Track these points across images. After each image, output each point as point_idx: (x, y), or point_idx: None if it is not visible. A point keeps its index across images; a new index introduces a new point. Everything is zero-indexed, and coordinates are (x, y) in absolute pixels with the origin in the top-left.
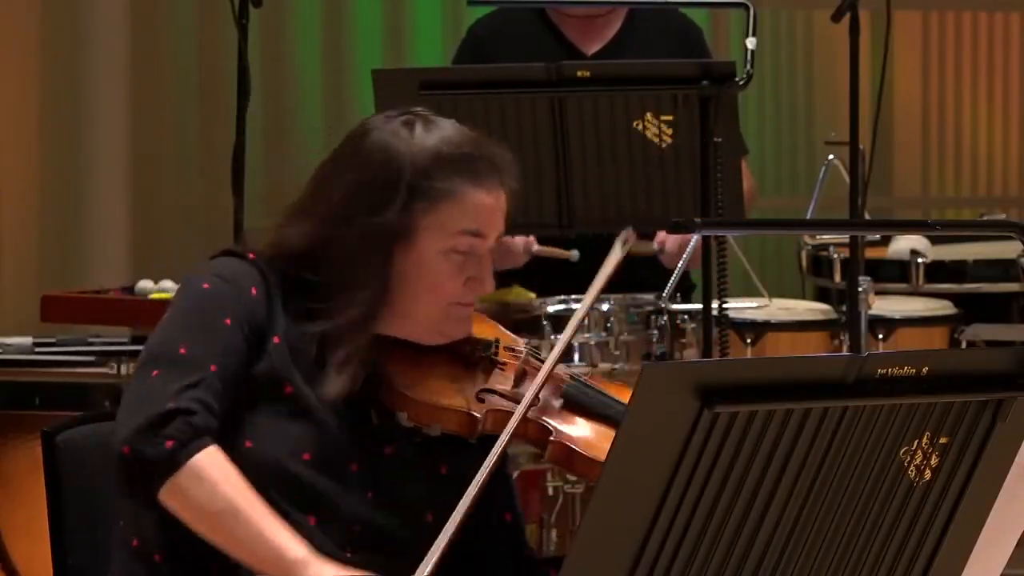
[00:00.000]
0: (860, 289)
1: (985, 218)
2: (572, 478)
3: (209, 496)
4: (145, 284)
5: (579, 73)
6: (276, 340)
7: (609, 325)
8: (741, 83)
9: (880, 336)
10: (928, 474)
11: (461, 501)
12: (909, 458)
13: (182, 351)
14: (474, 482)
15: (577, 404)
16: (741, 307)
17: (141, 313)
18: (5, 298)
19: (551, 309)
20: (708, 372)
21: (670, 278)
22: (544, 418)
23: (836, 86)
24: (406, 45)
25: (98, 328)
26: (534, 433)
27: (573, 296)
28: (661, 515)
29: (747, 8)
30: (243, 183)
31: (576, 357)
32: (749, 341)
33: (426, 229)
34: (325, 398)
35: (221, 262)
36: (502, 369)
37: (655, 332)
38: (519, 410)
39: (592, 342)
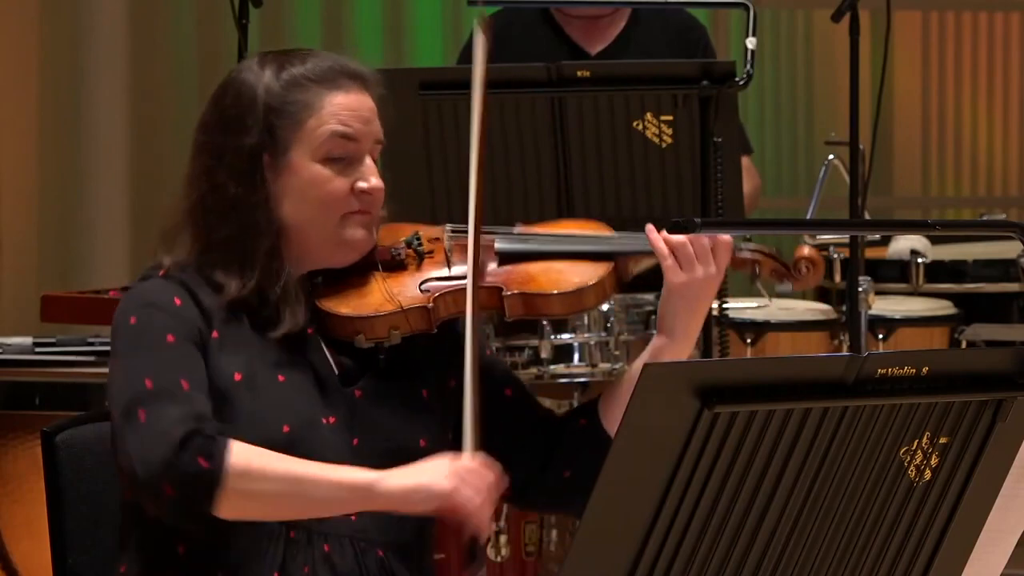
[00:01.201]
0: (860, 289)
1: (985, 218)
2: None
3: (265, 483)
4: None
5: (579, 73)
6: (215, 335)
7: (609, 325)
8: (741, 83)
9: (880, 336)
10: (928, 474)
11: (465, 383)
12: (909, 458)
13: (148, 384)
14: (466, 362)
15: (514, 256)
16: (741, 307)
17: None
18: (5, 298)
19: None
20: (708, 372)
21: None
22: (489, 281)
23: (836, 86)
24: (406, 45)
25: (98, 328)
26: (486, 298)
27: None
28: (661, 515)
29: (747, 8)
30: None
31: (576, 357)
32: (749, 341)
33: (295, 144)
34: (281, 333)
35: (136, 292)
36: (431, 257)
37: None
38: (469, 278)
39: (592, 342)
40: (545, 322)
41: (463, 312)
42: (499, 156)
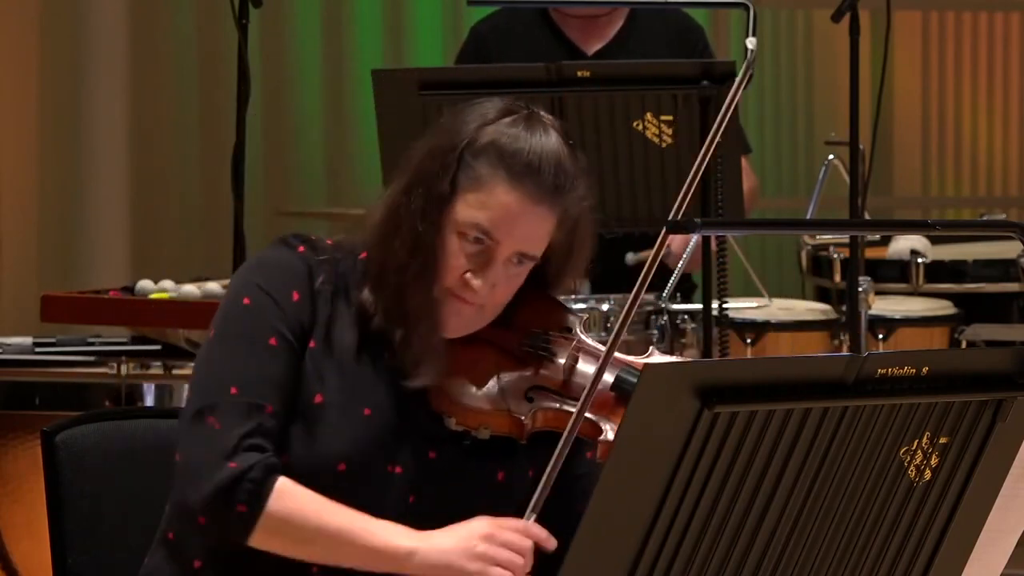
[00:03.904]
0: (860, 289)
1: (985, 218)
2: None
3: (300, 532)
4: (145, 284)
5: (579, 73)
6: (312, 345)
7: (609, 325)
8: None
9: (880, 336)
10: (928, 474)
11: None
12: (909, 458)
13: (233, 392)
14: (541, 484)
15: (626, 397)
16: (741, 307)
17: (141, 313)
18: (5, 298)
19: None
20: (708, 372)
21: (670, 278)
22: (593, 415)
23: (836, 86)
24: (406, 45)
25: (98, 328)
26: (585, 429)
27: (572, 297)
28: (661, 515)
29: (747, 8)
30: (243, 183)
31: None
32: (749, 341)
33: (452, 203)
34: (409, 387)
35: (268, 259)
36: (551, 360)
37: (655, 332)
38: (572, 421)
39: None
40: None
41: (558, 430)
42: None
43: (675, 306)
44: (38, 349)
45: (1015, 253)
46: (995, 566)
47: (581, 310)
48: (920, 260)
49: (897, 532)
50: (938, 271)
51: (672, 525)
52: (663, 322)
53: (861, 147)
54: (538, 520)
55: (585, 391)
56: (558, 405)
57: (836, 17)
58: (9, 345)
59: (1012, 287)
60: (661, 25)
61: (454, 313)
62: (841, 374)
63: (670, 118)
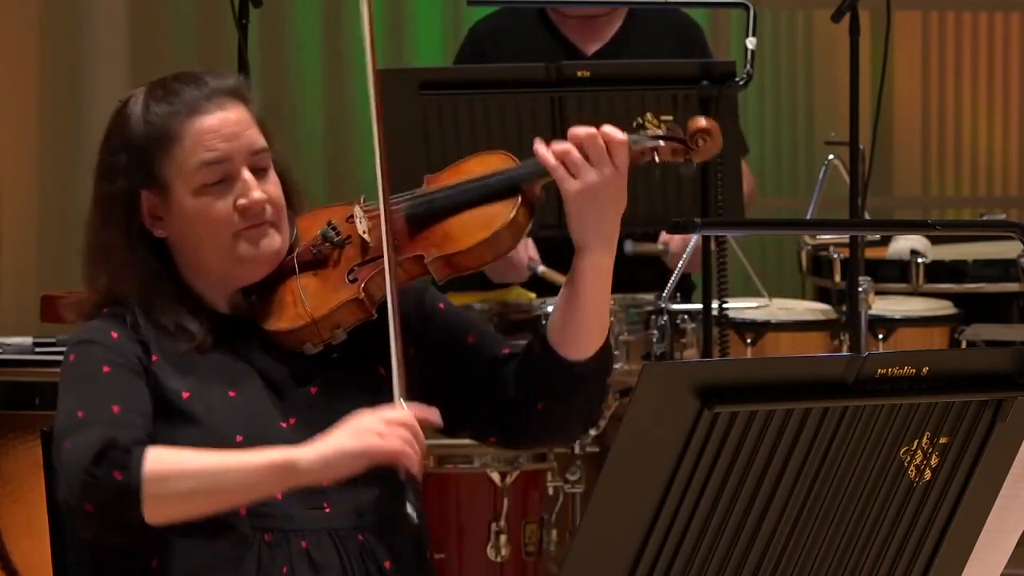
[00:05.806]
0: (860, 289)
1: (985, 218)
2: (572, 478)
3: (183, 482)
4: None
5: (579, 73)
6: (155, 359)
7: (609, 325)
8: (741, 83)
9: (880, 336)
10: (928, 474)
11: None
12: (909, 458)
13: (80, 415)
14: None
15: (423, 219)
16: (741, 307)
17: None
18: (5, 298)
19: (551, 309)
20: (708, 372)
21: (670, 278)
22: (408, 252)
23: (836, 86)
24: (406, 45)
25: None
26: (410, 268)
27: None
28: (661, 515)
29: (747, 8)
30: None
31: None
32: (749, 341)
33: (174, 180)
34: (185, 349)
35: (77, 332)
36: (350, 243)
37: (655, 332)
38: (386, 264)
39: None
40: (544, 321)
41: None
42: None
43: (675, 306)
44: (38, 349)
45: (1015, 253)
46: (995, 566)
47: None
48: (920, 260)
49: (897, 532)
50: (938, 271)
51: (672, 525)
52: (663, 322)
53: (861, 147)
54: (419, 395)
55: (383, 232)
56: (378, 266)
57: (836, 17)
58: (9, 345)
59: (1012, 287)
60: (660, 25)
61: (251, 242)
62: (841, 374)
63: (670, 118)
